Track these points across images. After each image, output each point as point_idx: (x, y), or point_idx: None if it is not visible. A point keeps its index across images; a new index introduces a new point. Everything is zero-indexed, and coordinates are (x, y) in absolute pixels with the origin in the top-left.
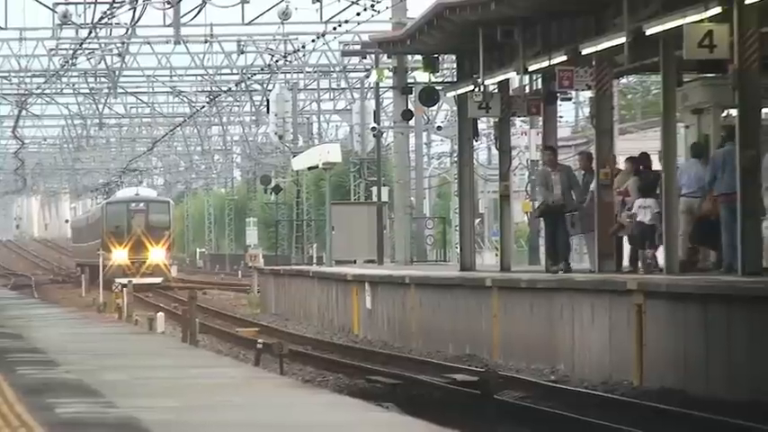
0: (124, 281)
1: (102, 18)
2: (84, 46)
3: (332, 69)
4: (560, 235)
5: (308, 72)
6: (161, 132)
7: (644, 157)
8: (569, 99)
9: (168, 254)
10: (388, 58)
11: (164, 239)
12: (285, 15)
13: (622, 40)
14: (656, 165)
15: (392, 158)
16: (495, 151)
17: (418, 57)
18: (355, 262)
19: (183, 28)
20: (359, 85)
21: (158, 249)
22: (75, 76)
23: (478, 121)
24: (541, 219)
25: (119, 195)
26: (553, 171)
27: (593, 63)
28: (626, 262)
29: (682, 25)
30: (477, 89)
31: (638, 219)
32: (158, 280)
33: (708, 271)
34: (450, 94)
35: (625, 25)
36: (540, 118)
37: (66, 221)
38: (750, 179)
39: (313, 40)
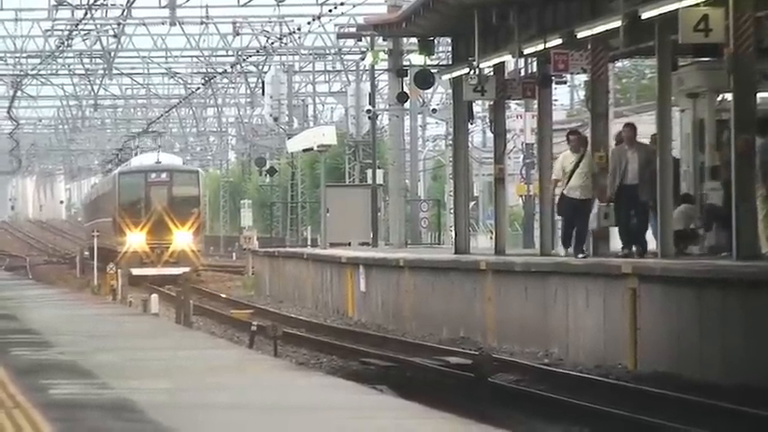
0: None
1: None
2: (79, 27)
3: (327, 52)
4: (638, 218)
5: (303, 54)
6: (156, 114)
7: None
8: (564, 82)
9: (197, 237)
10: (384, 40)
11: (191, 219)
12: None
13: (618, 23)
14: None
15: (387, 141)
16: (489, 134)
17: (413, 39)
18: (350, 244)
19: (179, 9)
20: (354, 68)
21: (184, 232)
22: (70, 57)
23: (473, 104)
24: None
25: (135, 163)
26: (630, 149)
27: (589, 46)
28: (619, 245)
29: (677, 9)
30: (472, 72)
31: (707, 201)
32: (184, 270)
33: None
34: (446, 76)
35: (620, 9)
36: (535, 101)
37: (61, 202)
38: (744, 163)
39: (308, 23)
